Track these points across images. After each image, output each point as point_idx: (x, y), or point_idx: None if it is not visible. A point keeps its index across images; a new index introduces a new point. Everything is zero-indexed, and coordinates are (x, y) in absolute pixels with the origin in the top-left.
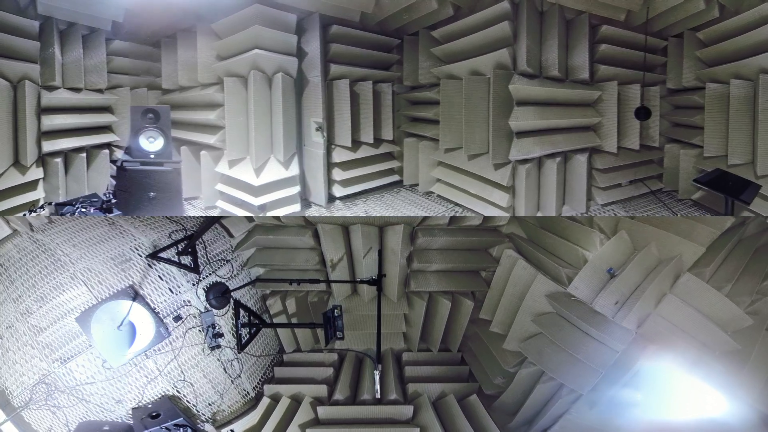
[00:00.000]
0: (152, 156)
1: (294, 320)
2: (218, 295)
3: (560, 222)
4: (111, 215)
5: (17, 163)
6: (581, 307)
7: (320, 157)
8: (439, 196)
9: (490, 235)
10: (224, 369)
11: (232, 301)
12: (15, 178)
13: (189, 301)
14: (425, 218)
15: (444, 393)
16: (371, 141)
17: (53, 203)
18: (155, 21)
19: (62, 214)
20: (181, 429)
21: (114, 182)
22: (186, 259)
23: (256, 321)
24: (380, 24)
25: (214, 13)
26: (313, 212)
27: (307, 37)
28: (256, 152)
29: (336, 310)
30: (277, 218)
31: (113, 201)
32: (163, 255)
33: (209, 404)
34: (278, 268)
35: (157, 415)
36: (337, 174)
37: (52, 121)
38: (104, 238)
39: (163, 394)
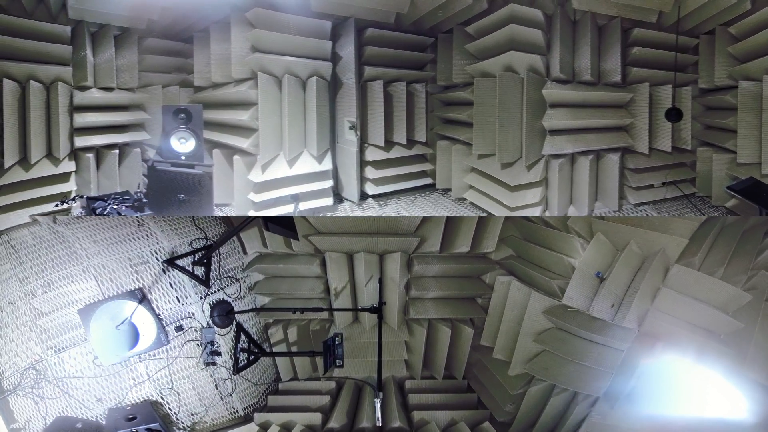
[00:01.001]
0: (183, 158)
1: (294, 349)
2: (222, 313)
3: (541, 231)
4: (142, 215)
5: (50, 155)
6: (579, 317)
7: (353, 154)
8: (472, 203)
9: (479, 262)
10: (216, 386)
11: (234, 323)
12: (48, 169)
13: (193, 314)
14: (419, 246)
15: (454, 420)
16: (404, 142)
17: (85, 197)
18: (189, 15)
19: (94, 209)
20: None
21: (146, 181)
22: (199, 270)
23: (256, 350)
24: (415, 24)
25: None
26: (345, 208)
27: (341, 42)
28: (290, 145)
29: (337, 338)
30: (289, 247)
31: (144, 200)
32: (179, 262)
33: (191, 414)
34: (283, 296)
35: (134, 418)
36: (370, 172)
37: (83, 119)
38: (128, 238)
39: (146, 398)
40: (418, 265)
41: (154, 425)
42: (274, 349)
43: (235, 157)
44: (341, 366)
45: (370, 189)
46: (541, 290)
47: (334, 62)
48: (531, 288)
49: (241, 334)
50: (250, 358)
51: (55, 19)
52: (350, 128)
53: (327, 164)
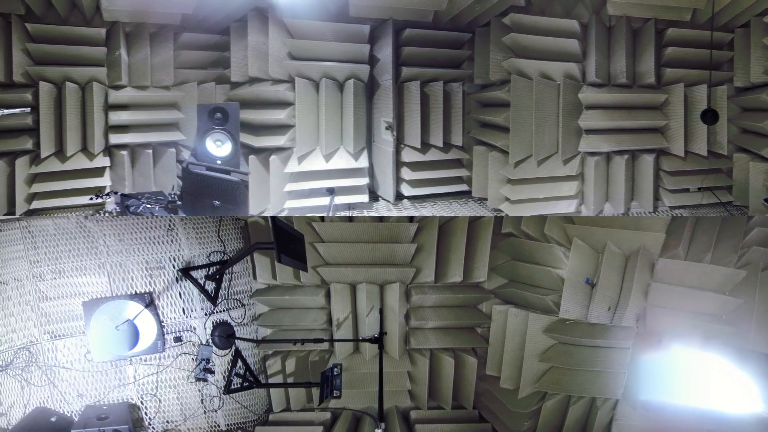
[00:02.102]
0: (219, 162)
1: (291, 380)
2: (223, 335)
3: (525, 246)
4: (175, 217)
5: (85, 150)
6: (579, 326)
7: (389, 154)
8: (507, 215)
9: (474, 291)
10: (202, 400)
11: (234, 348)
12: (83, 162)
13: (195, 328)
14: (416, 276)
15: None
16: (440, 145)
17: (119, 193)
18: (225, 5)
19: (127, 206)
20: None
21: (180, 183)
22: (210, 286)
23: (251, 378)
24: (453, 20)
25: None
26: (380, 207)
27: (379, 44)
28: (326, 142)
29: (336, 369)
30: (297, 278)
31: (178, 202)
32: (193, 274)
33: (167, 421)
34: (286, 328)
35: (106, 418)
36: (406, 173)
37: (118, 117)
38: (153, 241)
39: (124, 400)
40: (416, 296)
41: (123, 427)
42: (271, 381)
43: (272, 157)
44: (338, 397)
45: (406, 190)
46: (538, 310)
47: (372, 64)
48: (527, 310)
49: (239, 360)
50: (244, 384)
51: (89, 22)
52: (386, 128)
53: (363, 162)
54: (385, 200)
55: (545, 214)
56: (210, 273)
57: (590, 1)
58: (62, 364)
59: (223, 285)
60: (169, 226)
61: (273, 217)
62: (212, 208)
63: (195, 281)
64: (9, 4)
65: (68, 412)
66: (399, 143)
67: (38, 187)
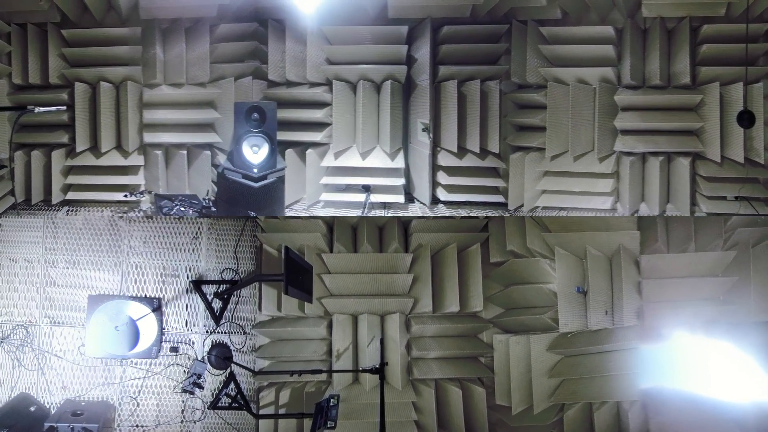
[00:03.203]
0: (255, 171)
1: (283, 412)
2: (220, 356)
3: (514, 266)
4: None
5: (119, 147)
6: (582, 336)
7: (426, 156)
8: (544, 208)
9: (472, 321)
10: (182, 410)
11: (229, 371)
12: (117, 159)
13: (193, 343)
14: (414, 306)
15: None
16: (477, 150)
17: (152, 193)
18: None
19: (160, 207)
20: None
21: (215, 188)
22: (217, 304)
23: (241, 401)
24: (490, 13)
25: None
26: (416, 209)
27: (417, 44)
28: (363, 141)
29: (332, 400)
30: (302, 310)
31: (213, 209)
32: (204, 288)
33: (136, 426)
34: (285, 359)
35: (81, 414)
36: (442, 177)
37: (153, 116)
38: (175, 248)
39: (105, 399)
40: (416, 326)
41: (93, 426)
42: (262, 412)
43: (309, 150)
44: (333, 428)
45: (442, 195)
46: (538, 330)
47: (409, 65)
48: (528, 334)
49: (232, 383)
50: (232, 405)
51: (125, 22)
52: (423, 129)
53: (399, 162)
54: (421, 203)
55: (527, 218)
56: (219, 291)
57: (625, 6)
58: (55, 351)
59: (229, 306)
60: (196, 234)
61: (286, 248)
62: (248, 216)
63: (204, 296)
64: (45, 14)
65: (49, 403)
66: (435, 146)
67: (73, 179)
